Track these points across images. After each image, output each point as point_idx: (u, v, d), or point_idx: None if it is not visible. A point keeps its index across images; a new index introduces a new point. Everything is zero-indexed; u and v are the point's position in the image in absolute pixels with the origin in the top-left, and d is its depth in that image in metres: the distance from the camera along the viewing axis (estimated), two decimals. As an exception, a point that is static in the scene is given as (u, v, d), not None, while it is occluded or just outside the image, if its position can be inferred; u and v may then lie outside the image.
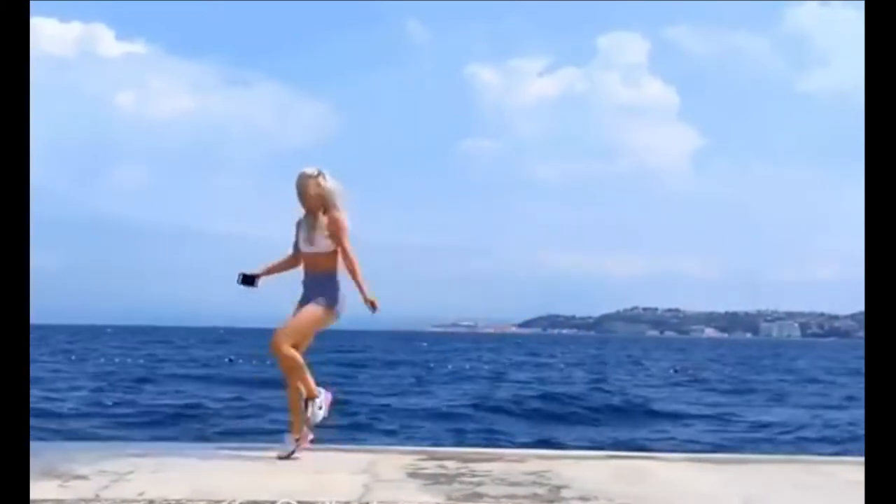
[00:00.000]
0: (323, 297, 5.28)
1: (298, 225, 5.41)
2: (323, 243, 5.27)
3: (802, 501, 4.41)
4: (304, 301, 5.32)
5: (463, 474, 4.72)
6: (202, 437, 12.22)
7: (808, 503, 4.39)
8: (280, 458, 5.10)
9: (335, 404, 5.53)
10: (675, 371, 37.60)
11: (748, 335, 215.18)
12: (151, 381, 24.46)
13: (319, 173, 5.28)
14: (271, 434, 8.23)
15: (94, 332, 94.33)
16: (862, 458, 4.49)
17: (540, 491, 4.33)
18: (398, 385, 25.76)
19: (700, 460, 5.59)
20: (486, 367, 38.08)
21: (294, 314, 5.30)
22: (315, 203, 5.27)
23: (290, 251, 5.49)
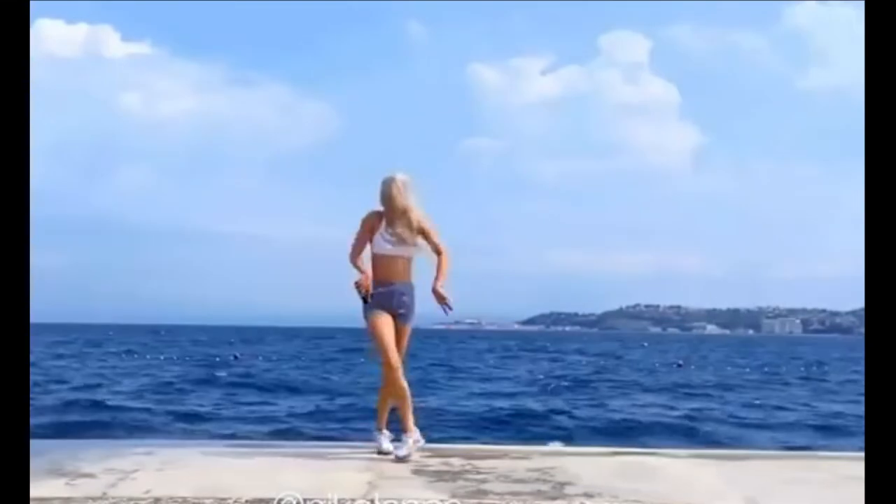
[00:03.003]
0: (414, 308, 5.36)
1: (371, 226, 5.27)
2: (416, 245, 5.28)
3: (804, 497, 4.43)
4: (399, 310, 5.27)
5: (468, 471, 4.74)
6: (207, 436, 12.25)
7: (810, 499, 4.41)
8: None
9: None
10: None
11: (750, 332, 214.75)
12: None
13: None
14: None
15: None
16: (863, 454, 4.51)
17: (544, 487, 4.35)
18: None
19: (703, 456, 5.61)
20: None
21: (396, 334, 5.25)
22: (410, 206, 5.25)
23: (356, 249, 5.28)
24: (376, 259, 5.30)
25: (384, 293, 5.25)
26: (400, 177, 5.28)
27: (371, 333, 5.23)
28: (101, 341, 58.97)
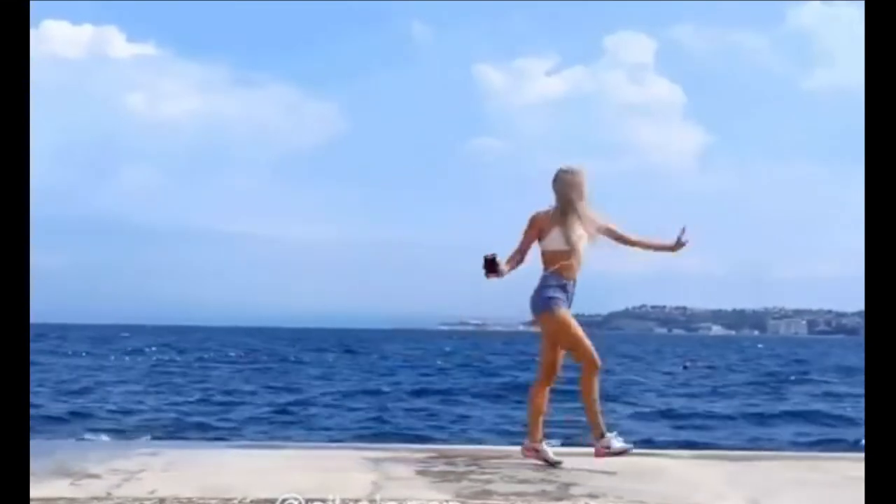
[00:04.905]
0: None
1: (541, 224, 5.23)
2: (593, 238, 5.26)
3: (808, 498, 4.43)
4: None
5: (472, 472, 4.74)
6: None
7: (813, 499, 4.41)
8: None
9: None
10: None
11: (756, 332, 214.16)
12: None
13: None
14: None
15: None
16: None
17: (549, 488, 4.35)
18: None
19: (707, 457, 5.61)
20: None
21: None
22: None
23: (518, 249, 5.29)
24: (560, 255, 5.17)
25: (573, 290, 5.22)
26: (574, 168, 5.24)
27: (565, 331, 5.14)
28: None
